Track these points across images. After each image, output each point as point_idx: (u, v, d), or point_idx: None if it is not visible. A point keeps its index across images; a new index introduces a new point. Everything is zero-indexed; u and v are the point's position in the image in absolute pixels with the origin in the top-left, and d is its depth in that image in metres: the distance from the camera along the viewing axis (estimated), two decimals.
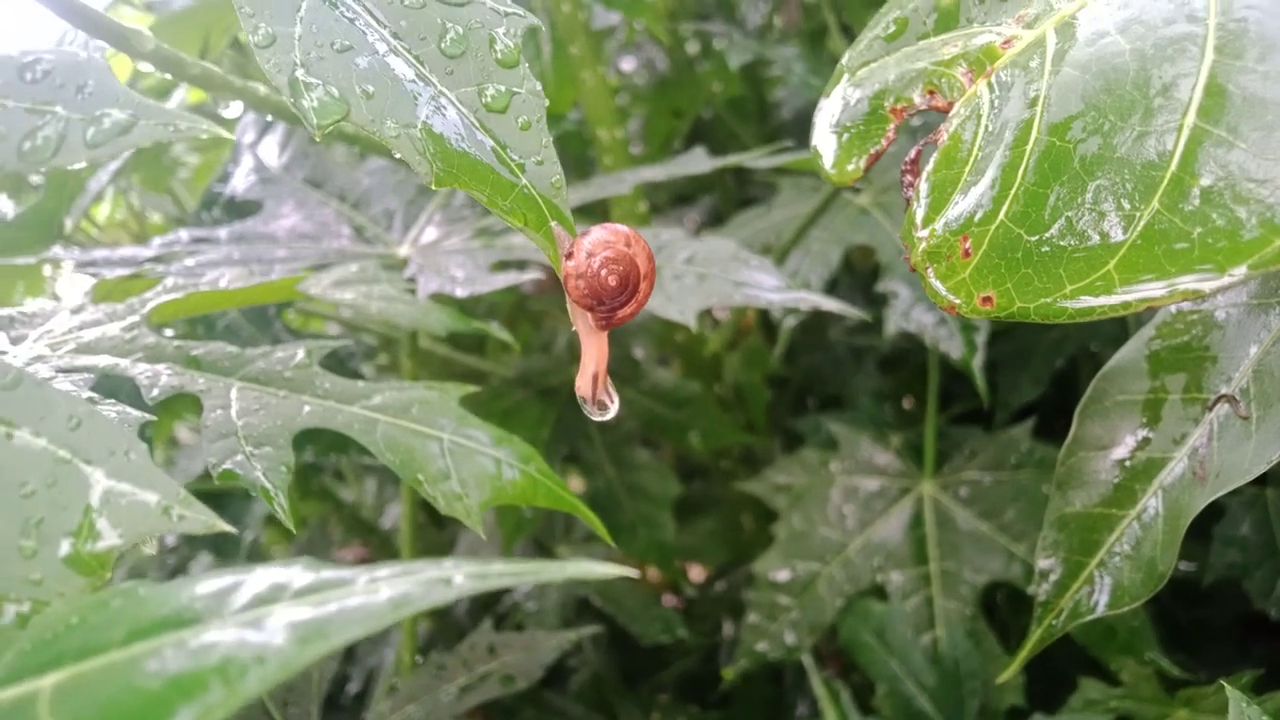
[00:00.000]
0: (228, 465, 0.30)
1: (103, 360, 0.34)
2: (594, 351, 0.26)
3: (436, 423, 0.33)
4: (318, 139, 0.20)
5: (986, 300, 0.28)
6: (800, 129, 0.94)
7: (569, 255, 0.25)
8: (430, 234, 0.52)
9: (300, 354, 0.34)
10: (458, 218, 0.53)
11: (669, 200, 1.05)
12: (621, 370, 0.74)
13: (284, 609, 0.13)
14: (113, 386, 0.38)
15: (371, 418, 0.32)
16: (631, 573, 0.15)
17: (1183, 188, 0.24)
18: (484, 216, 0.52)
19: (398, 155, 0.21)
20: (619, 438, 0.72)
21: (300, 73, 0.21)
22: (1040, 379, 0.77)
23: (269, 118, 0.57)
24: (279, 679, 0.12)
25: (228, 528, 0.20)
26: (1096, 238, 0.26)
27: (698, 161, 0.54)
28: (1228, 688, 0.34)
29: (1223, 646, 0.75)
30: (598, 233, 0.26)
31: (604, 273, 0.25)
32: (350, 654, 0.87)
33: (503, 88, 0.23)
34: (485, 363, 0.80)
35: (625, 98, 0.99)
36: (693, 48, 0.96)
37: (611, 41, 0.96)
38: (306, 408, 0.32)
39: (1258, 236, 0.23)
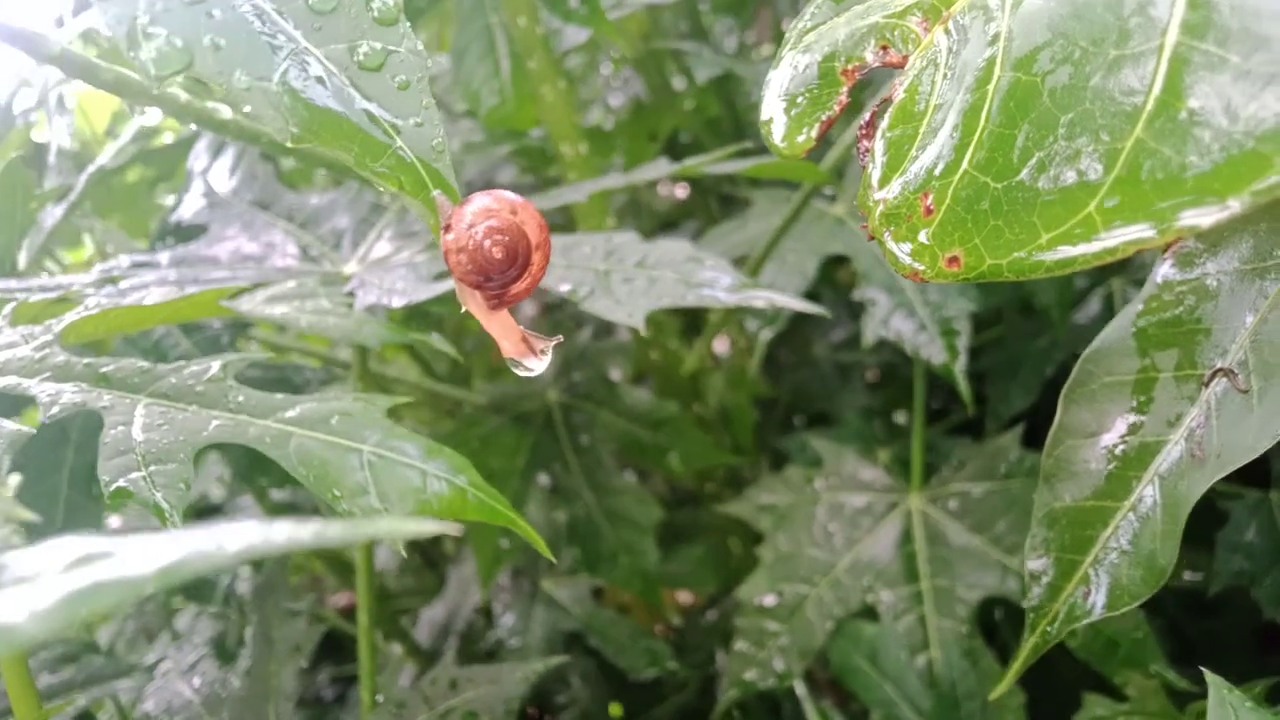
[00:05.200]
0: (122, 483, 0.27)
1: (4, 381, 0.32)
2: (498, 330, 0.24)
3: (358, 434, 0.30)
4: (155, 91, 0.18)
5: (953, 261, 0.25)
6: None
7: (447, 227, 0.22)
8: (381, 249, 0.50)
9: (214, 368, 0.32)
10: (410, 233, 0.51)
11: (653, 226, 1.04)
12: (596, 392, 0.71)
13: (34, 588, 0.11)
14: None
15: (284, 430, 0.30)
16: (456, 530, 0.13)
17: (1169, 113, 0.21)
18: None
19: (247, 109, 0.19)
20: (596, 461, 0.70)
21: (144, 21, 0.19)
22: (1030, 388, 0.74)
23: (205, 137, 0.56)
24: None
25: (30, 516, 0.17)
26: (1073, 177, 0.23)
27: (659, 168, 0.52)
28: (1208, 676, 0.31)
29: (1238, 661, 0.72)
30: (479, 200, 0.23)
31: (488, 244, 0.23)
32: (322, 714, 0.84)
33: (378, 45, 0.21)
34: (467, 392, 0.79)
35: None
36: (678, 84, 0.95)
37: (588, 87, 0.95)
38: (215, 422, 0.30)
39: (1260, 154, 0.20)
